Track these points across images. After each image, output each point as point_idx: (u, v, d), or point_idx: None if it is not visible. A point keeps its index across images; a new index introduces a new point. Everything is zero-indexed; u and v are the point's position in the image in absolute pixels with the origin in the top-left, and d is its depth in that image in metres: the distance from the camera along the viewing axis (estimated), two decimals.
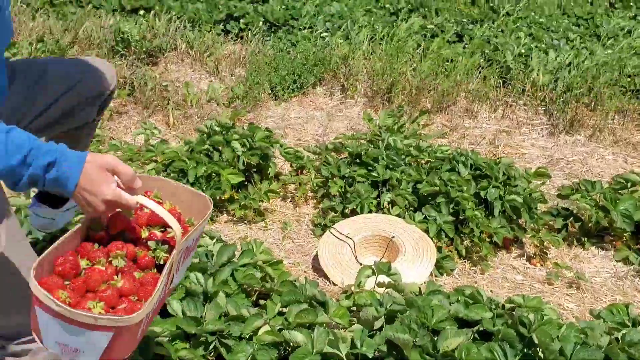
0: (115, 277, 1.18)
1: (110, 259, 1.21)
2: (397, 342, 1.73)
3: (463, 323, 1.91)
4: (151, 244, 1.26)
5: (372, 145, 3.45)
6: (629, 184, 3.12)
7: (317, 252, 2.72)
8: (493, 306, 1.98)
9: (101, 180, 1.19)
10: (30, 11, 5.88)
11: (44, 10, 6.01)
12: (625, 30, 6.59)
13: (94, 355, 1.08)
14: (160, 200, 1.32)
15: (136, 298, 1.17)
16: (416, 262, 2.58)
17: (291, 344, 1.79)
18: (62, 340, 1.08)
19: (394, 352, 1.77)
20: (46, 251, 1.16)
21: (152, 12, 6.29)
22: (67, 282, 1.14)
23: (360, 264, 2.52)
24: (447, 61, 4.83)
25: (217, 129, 3.29)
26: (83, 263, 1.20)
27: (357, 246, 2.69)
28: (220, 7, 6.68)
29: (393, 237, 2.71)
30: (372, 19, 6.32)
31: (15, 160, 1.16)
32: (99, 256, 1.20)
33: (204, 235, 2.31)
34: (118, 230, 1.26)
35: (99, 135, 3.60)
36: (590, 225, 3.03)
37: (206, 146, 3.21)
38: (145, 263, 1.24)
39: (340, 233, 2.75)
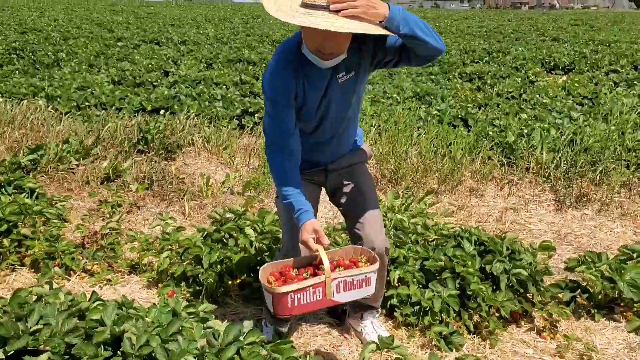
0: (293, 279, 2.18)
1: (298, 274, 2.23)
2: None
3: None
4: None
5: None
6: (634, 255, 3.15)
7: None
8: None
9: (304, 231, 2.14)
10: (58, 115, 6.28)
11: (70, 114, 6.41)
12: (629, 106, 6.76)
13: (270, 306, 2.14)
14: (336, 260, 2.26)
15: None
16: None
17: None
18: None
19: None
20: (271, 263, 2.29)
21: (171, 111, 6.67)
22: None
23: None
24: (451, 144, 5.01)
25: (230, 215, 3.44)
26: (293, 272, 2.23)
27: None
28: (236, 104, 7.06)
29: None
30: (379, 108, 6.61)
31: None
32: (291, 274, 2.22)
33: (214, 316, 2.40)
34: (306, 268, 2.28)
35: (118, 229, 3.76)
36: (599, 297, 3.04)
37: (221, 234, 3.33)
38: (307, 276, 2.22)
39: None
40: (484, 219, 4.09)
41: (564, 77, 11.13)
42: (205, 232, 3.35)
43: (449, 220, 3.97)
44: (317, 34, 1.95)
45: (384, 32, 1.98)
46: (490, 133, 5.32)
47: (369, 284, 2.19)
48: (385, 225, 3.44)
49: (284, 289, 2.06)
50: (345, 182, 2.56)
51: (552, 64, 12.55)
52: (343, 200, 2.57)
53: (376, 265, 2.18)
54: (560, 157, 4.72)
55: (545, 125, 5.59)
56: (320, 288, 2.11)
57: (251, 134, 6.21)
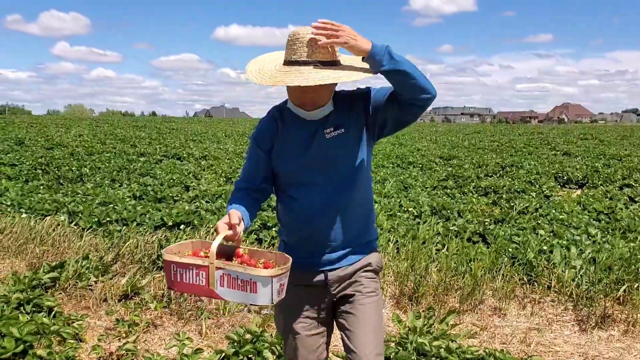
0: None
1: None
2: None
3: None
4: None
5: (401, 348, 3.46)
6: None
7: None
8: None
9: (224, 217, 2.04)
10: (79, 231, 6.39)
11: (92, 230, 6.52)
12: None
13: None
14: (244, 252, 2.10)
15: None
16: None
17: None
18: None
19: None
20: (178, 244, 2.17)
21: (192, 226, 6.76)
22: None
23: None
24: (470, 260, 4.98)
25: (248, 336, 3.39)
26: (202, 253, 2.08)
27: None
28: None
29: None
30: (396, 222, 6.65)
31: None
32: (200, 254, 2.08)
33: None
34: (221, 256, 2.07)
35: (134, 350, 3.69)
36: None
37: (239, 357, 3.28)
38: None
39: None
40: (508, 341, 3.97)
41: (578, 192, 11.20)
42: (223, 354, 3.29)
43: (472, 342, 3.87)
44: (294, 87, 2.04)
45: (359, 76, 1.97)
46: (510, 250, 5.30)
47: (254, 291, 1.94)
48: (406, 348, 3.37)
49: (168, 257, 2.02)
50: (346, 308, 2.30)
51: (565, 178, 12.69)
52: (340, 321, 2.33)
53: (266, 272, 1.92)
54: (581, 276, 4.65)
55: (564, 242, 5.56)
56: (204, 273, 1.99)
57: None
